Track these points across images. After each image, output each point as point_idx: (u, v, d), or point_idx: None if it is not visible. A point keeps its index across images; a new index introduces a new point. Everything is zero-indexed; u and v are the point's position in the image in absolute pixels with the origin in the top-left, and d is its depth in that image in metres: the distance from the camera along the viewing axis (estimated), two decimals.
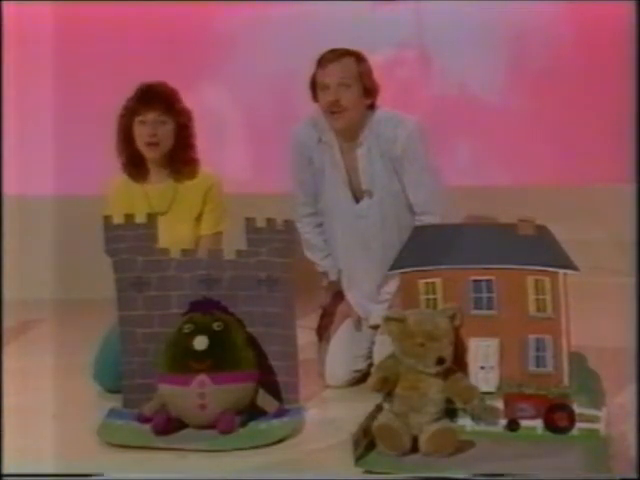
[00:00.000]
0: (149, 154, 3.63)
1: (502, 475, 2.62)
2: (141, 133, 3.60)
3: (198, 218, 3.67)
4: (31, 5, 5.14)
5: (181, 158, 3.65)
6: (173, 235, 3.51)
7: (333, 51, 3.51)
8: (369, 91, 3.53)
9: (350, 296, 3.67)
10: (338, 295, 3.72)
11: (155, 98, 3.61)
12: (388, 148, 3.51)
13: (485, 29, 5.33)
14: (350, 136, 3.54)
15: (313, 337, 3.75)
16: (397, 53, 5.31)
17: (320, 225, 3.71)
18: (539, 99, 5.39)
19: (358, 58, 3.51)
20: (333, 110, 3.46)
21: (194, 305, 3.21)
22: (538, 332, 2.90)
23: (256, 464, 2.81)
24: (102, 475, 2.71)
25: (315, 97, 3.54)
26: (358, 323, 3.65)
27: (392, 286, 3.47)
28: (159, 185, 3.67)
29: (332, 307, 3.72)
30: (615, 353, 3.58)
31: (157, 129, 3.59)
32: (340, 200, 3.60)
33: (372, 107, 3.55)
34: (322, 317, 3.75)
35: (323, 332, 3.71)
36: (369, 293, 3.62)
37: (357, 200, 3.59)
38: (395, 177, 3.54)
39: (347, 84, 3.46)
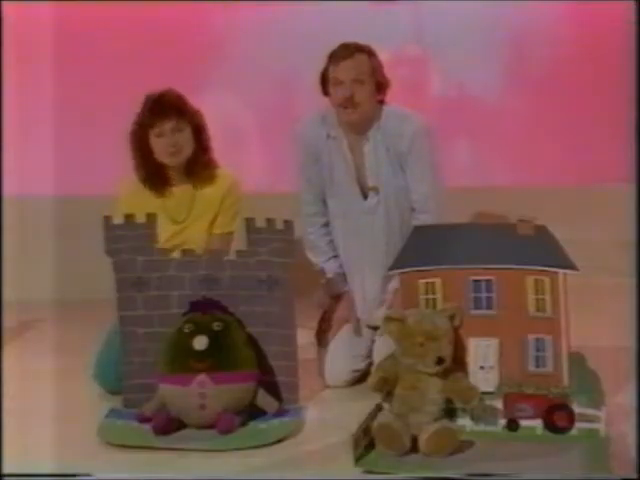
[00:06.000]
0: (172, 162, 3.54)
1: (502, 475, 2.62)
2: (160, 145, 3.51)
3: (213, 221, 3.62)
4: (31, 5, 5.14)
5: (200, 161, 3.57)
6: (189, 241, 3.50)
7: (345, 47, 3.49)
8: (381, 86, 3.53)
9: (352, 294, 3.66)
10: (337, 299, 3.68)
11: (167, 107, 3.51)
12: (394, 143, 3.51)
13: (485, 29, 5.32)
14: (359, 130, 3.53)
15: (313, 337, 3.75)
16: (397, 53, 5.31)
17: (326, 225, 3.69)
18: (539, 99, 5.38)
19: (370, 54, 3.51)
20: (347, 105, 3.46)
21: (194, 305, 3.21)
22: (538, 332, 2.90)
23: (256, 464, 2.81)
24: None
25: (325, 92, 3.53)
26: (358, 328, 3.64)
27: (393, 286, 3.47)
28: (177, 192, 3.60)
29: (331, 312, 3.69)
30: (615, 353, 3.58)
31: (176, 138, 3.50)
32: (348, 196, 3.59)
33: (382, 102, 3.56)
34: (321, 322, 3.71)
35: (322, 337, 3.69)
36: (372, 291, 3.62)
37: (365, 196, 3.59)
38: (400, 173, 3.54)
39: (361, 80, 3.46)
